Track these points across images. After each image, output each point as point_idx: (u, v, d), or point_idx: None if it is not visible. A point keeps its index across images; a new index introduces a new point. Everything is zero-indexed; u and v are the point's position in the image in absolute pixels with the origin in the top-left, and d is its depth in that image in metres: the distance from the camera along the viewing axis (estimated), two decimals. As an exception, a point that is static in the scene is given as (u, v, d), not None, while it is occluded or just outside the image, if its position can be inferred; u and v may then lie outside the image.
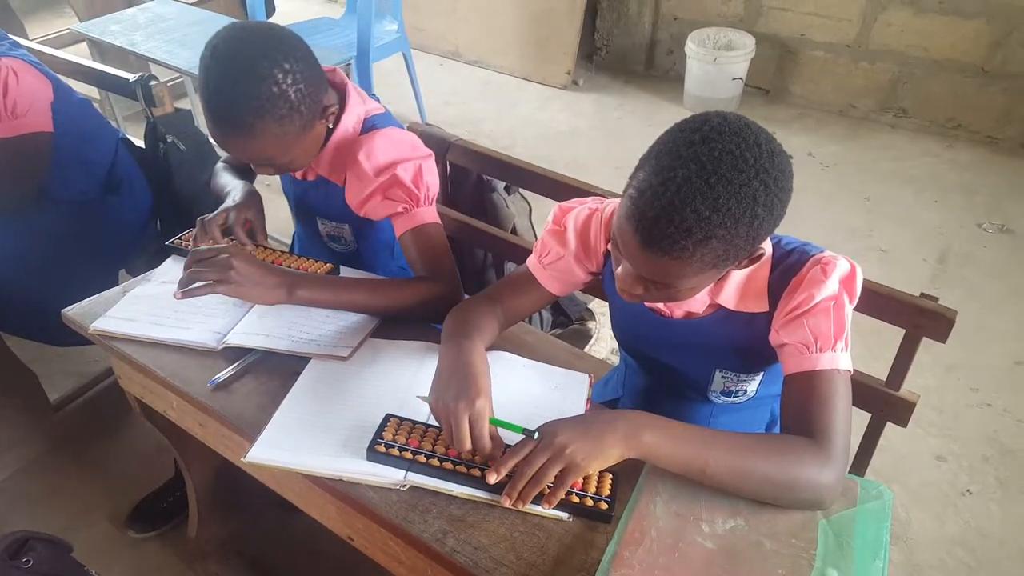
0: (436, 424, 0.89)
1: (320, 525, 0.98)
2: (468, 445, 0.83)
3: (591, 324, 2.04)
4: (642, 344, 1.07)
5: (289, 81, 0.99)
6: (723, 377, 1.00)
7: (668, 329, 0.99)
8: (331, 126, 1.14)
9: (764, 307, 0.90)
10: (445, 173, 1.51)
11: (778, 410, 1.04)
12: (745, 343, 0.94)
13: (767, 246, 0.89)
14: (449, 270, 1.15)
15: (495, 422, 0.85)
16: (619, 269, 0.83)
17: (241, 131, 0.99)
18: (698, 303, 0.94)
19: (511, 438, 0.85)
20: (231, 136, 1.01)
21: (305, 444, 0.89)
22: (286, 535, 1.55)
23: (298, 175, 1.25)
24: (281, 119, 1.00)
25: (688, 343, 0.98)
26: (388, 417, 0.91)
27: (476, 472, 0.84)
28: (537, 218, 1.71)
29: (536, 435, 0.81)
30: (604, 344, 2.00)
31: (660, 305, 0.98)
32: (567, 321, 2.02)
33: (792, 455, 0.81)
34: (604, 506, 0.82)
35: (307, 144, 1.09)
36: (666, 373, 1.07)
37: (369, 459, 0.87)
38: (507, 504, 0.81)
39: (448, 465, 0.85)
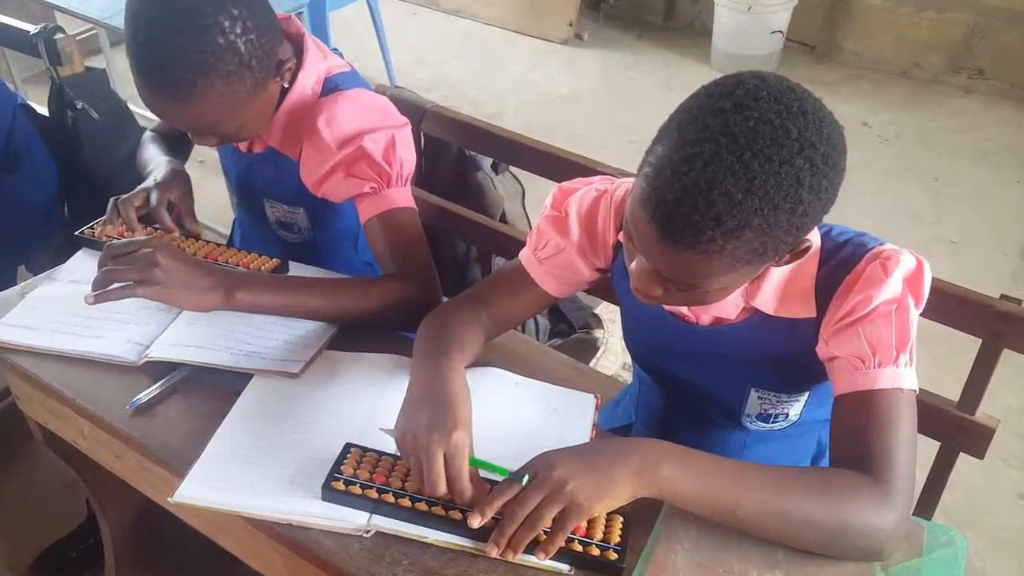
0: None
1: (265, 579, 0.98)
2: (443, 488, 0.83)
3: (598, 333, 2.04)
4: (660, 357, 1.08)
5: (238, 30, 0.99)
6: (760, 398, 1.01)
7: (692, 338, 0.99)
8: (286, 85, 1.14)
9: (811, 311, 0.91)
10: (419, 147, 1.51)
11: (827, 439, 1.05)
12: (787, 356, 0.94)
13: (814, 237, 0.89)
14: (424, 266, 1.15)
15: (475, 463, 0.85)
16: (632, 265, 0.83)
17: (179, 92, 0.99)
18: (729, 307, 0.94)
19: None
20: (166, 99, 1.01)
21: (246, 480, 0.89)
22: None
23: (242, 147, 1.25)
24: (228, 77, 1.00)
25: (717, 355, 0.99)
26: (348, 447, 0.91)
27: (456, 515, 0.84)
28: (532, 202, 1.70)
29: (526, 479, 0.81)
30: (614, 357, 2.00)
31: (683, 309, 0.98)
32: (568, 329, 2.01)
33: (843, 493, 0.81)
34: (613, 556, 0.82)
35: (258, 108, 1.09)
36: (689, 393, 1.07)
37: (325, 498, 0.86)
38: (494, 554, 0.81)
39: (422, 506, 0.85)
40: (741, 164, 0.71)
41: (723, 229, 0.72)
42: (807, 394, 1.00)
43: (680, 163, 0.72)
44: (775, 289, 0.91)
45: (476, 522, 0.81)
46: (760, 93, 0.73)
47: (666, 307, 0.99)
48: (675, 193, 0.72)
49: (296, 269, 1.21)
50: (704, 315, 0.97)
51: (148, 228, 1.23)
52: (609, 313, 2.09)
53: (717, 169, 0.71)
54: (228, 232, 1.59)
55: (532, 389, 1.04)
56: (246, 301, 1.07)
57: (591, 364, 1.91)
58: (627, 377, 1.96)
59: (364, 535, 0.84)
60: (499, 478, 0.84)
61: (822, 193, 0.74)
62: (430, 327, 1.00)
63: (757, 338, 0.95)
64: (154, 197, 1.19)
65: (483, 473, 0.86)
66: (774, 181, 0.71)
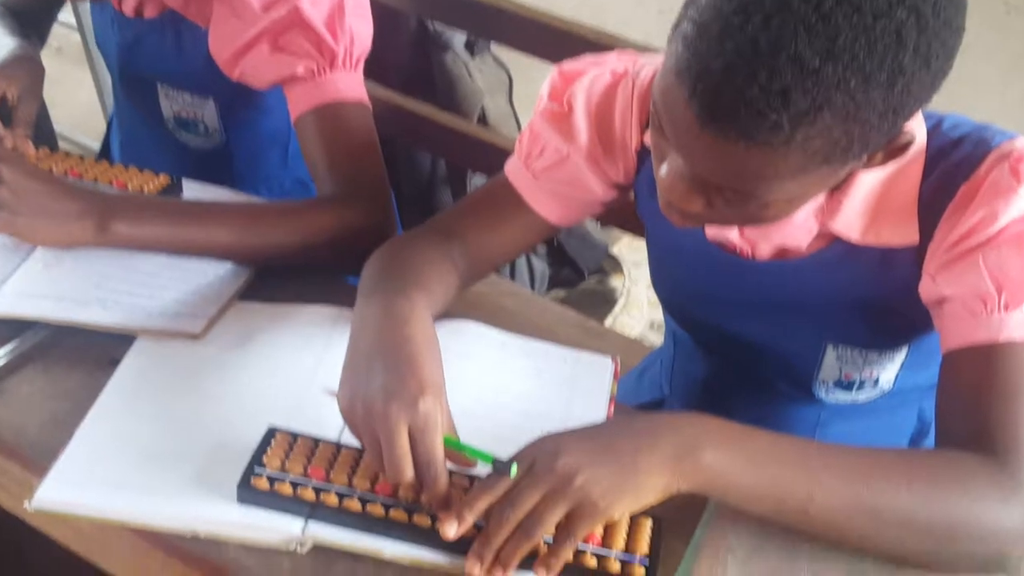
0: (353, 444, 0.88)
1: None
2: (409, 474, 0.82)
3: (615, 281, 2.05)
4: (702, 306, 1.08)
5: None
6: (840, 358, 1.01)
7: (746, 279, 0.99)
8: None
9: (912, 237, 0.90)
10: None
11: (931, 412, 1.06)
12: (877, 299, 0.94)
13: (918, 128, 0.88)
14: (376, 184, 1.15)
15: (450, 443, 0.85)
16: (663, 169, 0.83)
17: None
18: (799, 232, 0.93)
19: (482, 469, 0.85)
20: None
21: (131, 478, 0.89)
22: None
23: (127, 8, 1.24)
24: None
25: (781, 302, 0.99)
26: (273, 432, 0.91)
27: (424, 521, 0.84)
28: (522, 96, 1.69)
29: (515, 467, 0.81)
30: (638, 314, 2.01)
31: (733, 236, 0.98)
32: (575, 276, 2.02)
33: (955, 481, 0.82)
34: (639, 572, 0.83)
35: None
36: (743, 355, 1.08)
37: (242, 501, 0.87)
38: (477, 572, 0.81)
39: (376, 509, 0.85)
40: (819, 16, 0.69)
41: (792, 111, 0.71)
42: (904, 351, 1.01)
43: (733, 15, 0.71)
44: (863, 206, 0.90)
45: (452, 531, 0.81)
46: None
47: (709, 234, 0.99)
48: (725, 58, 0.71)
49: (195, 190, 1.21)
50: (763, 244, 0.96)
51: None
52: (632, 254, 2.10)
53: (785, 23, 0.69)
54: (98, 143, 1.58)
55: (525, 351, 1.05)
56: (126, 234, 1.07)
57: (608, 323, 1.92)
58: (656, 340, 1.97)
59: (298, 549, 0.84)
60: (483, 471, 0.84)
61: (931, 60, 0.73)
62: (381, 260, 1.00)
63: (837, 276, 0.94)
64: None
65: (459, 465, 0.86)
66: (865, 41, 0.70)
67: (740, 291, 1.01)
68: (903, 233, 0.91)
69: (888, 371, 1.02)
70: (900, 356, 1.01)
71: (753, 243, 0.97)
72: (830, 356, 1.01)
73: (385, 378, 0.84)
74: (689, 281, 1.07)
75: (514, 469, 0.81)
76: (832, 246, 0.94)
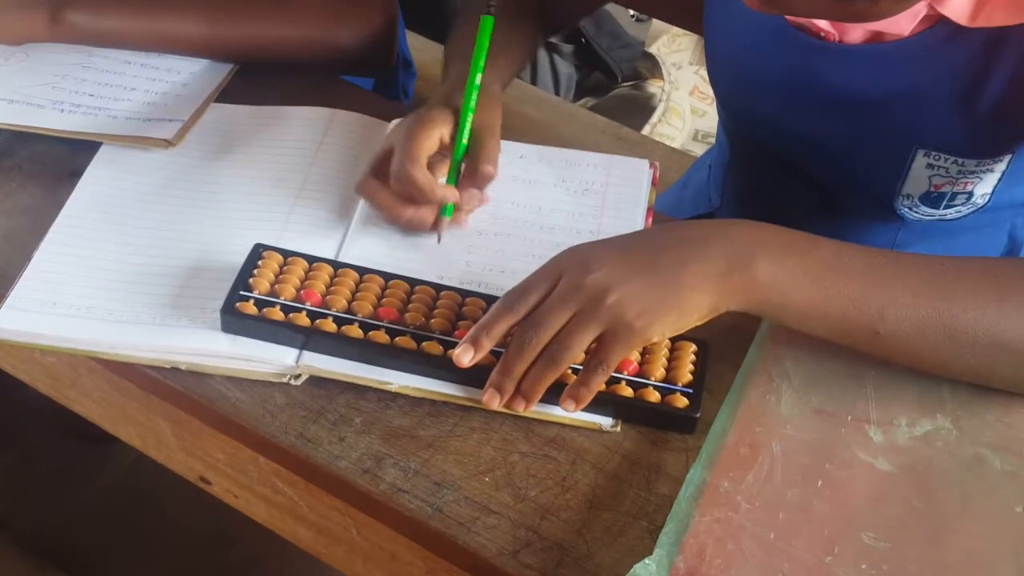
0: (353, 262, 0.89)
1: (149, 462, 0.99)
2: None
3: (653, 87, 2.02)
4: (772, 103, 1.04)
5: None
6: (930, 167, 0.97)
7: (831, 67, 0.95)
8: None
9: None
10: None
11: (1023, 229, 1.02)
12: (981, 94, 0.90)
13: None
14: None
15: None
16: None
17: None
18: (904, 14, 0.87)
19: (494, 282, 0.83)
20: None
21: (99, 303, 0.88)
22: (87, 490, 1.57)
23: None
24: None
25: (868, 96, 0.95)
26: (259, 250, 0.90)
27: (435, 348, 0.84)
28: None
29: None
30: (679, 123, 1.98)
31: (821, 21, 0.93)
32: (607, 81, 1.98)
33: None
34: (682, 403, 0.83)
35: None
36: (814, 162, 1.05)
37: (227, 329, 0.86)
38: (495, 405, 0.81)
39: (381, 336, 0.85)
40: None
41: None
42: (1006, 161, 0.96)
43: None
44: None
45: (467, 358, 0.81)
46: None
47: (788, 16, 0.95)
48: None
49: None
50: (854, 28, 0.92)
51: None
52: (673, 54, 2.06)
53: None
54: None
55: (547, 159, 1.05)
56: (83, 26, 1.07)
57: (645, 131, 1.90)
58: (698, 152, 1.95)
59: (292, 382, 0.85)
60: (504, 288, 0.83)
61: None
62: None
63: (937, 63, 0.90)
64: None
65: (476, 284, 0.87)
66: None
67: (821, 83, 0.97)
68: (1018, 12, 0.85)
69: (985, 183, 0.99)
70: (1000, 166, 0.97)
71: (842, 25, 0.92)
72: (919, 164, 0.97)
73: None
74: (758, 72, 1.03)
75: None
76: (935, 28, 0.89)
